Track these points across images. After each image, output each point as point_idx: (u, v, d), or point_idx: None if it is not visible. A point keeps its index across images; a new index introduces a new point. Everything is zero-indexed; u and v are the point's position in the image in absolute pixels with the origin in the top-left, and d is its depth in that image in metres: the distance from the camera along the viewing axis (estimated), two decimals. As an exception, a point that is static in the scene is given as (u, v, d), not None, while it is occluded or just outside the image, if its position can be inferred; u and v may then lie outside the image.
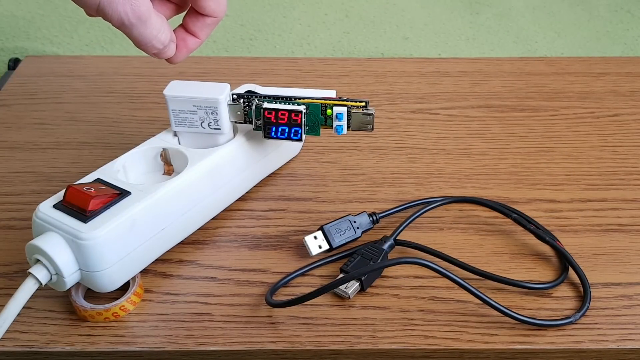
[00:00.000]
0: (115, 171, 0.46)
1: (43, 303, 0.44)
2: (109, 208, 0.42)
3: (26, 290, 0.41)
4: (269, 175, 0.55)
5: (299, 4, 0.79)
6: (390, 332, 0.43)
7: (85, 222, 0.41)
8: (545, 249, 0.49)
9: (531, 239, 0.49)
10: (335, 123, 0.48)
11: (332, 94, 0.49)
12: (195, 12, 0.45)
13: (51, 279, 0.41)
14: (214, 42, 0.78)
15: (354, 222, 0.49)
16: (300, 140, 0.49)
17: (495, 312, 0.43)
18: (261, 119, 0.48)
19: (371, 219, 0.50)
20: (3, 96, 0.66)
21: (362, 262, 0.46)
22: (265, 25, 0.79)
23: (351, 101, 0.48)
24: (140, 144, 0.49)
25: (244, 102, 0.49)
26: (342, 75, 0.70)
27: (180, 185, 0.46)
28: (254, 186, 0.54)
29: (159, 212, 0.45)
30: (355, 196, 0.54)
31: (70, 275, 0.41)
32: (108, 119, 0.63)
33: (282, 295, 0.45)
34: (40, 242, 0.41)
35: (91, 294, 0.45)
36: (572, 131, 0.61)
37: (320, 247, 0.47)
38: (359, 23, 0.79)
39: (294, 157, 0.57)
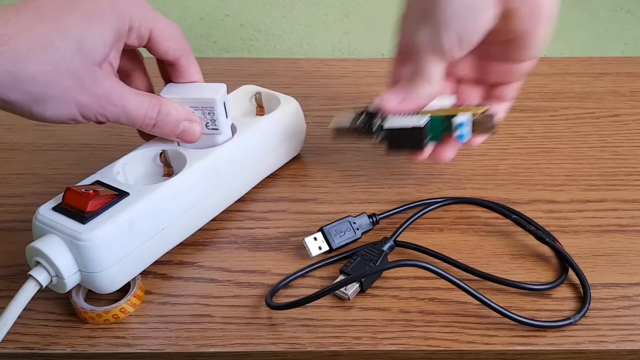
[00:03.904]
0: (115, 173, 0.46)
1: (44, 305, 0.44)
2: (107, 209, 0.42)
3: (27, 292, 0.41)
4: (268, 176, 0.55)
5: (299, 4, 0.79)
6: (390, 333, 0.43)
7: (83, 223, 0.41)
8: (545, 249, 0.49)
9: (531, 240, 0.49)
10: (458, 132, 0.48)
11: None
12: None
13: (51, 280, 0.41)
14: (214, 42, 0.78)
15: (354, 223, 0.49)
16: (421, 149, 0.49)
17: (495, 313, 0.43)
18: (383, 137, 0.48)
19: (371, 220, 0.50)
20: (3, 97, 0.66)
21: (362, 263, 0.46)
22: (265, 25, 0.79)
23: (472, 108, 0.48)
24: (140, 145, 0.50)
25: (362, 120, 0.49)
26: (342, 76, 0.70)
27: (178, 185, 0.46)
28: (254, 187, 0.54)
29: (157, 213, 0.45)
30: (355, 197, 0.54)
31: (70, 277, 0.41)
32: (108, 120, 0.63)
33: (282, 296, 0.45)
34: (40, 244, 0.41)
35: (92, 296, 0.45)
36: (572, 131, 0.61)
37: (320, 248, 0.47)
38: (359, 23, 0.79)
39: (294, 158, 0.57)
